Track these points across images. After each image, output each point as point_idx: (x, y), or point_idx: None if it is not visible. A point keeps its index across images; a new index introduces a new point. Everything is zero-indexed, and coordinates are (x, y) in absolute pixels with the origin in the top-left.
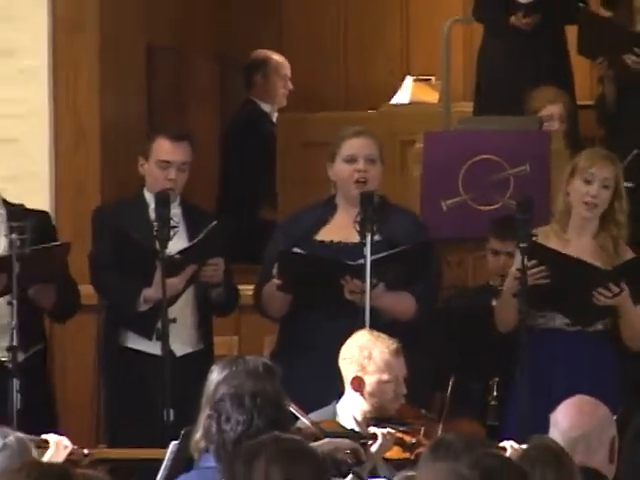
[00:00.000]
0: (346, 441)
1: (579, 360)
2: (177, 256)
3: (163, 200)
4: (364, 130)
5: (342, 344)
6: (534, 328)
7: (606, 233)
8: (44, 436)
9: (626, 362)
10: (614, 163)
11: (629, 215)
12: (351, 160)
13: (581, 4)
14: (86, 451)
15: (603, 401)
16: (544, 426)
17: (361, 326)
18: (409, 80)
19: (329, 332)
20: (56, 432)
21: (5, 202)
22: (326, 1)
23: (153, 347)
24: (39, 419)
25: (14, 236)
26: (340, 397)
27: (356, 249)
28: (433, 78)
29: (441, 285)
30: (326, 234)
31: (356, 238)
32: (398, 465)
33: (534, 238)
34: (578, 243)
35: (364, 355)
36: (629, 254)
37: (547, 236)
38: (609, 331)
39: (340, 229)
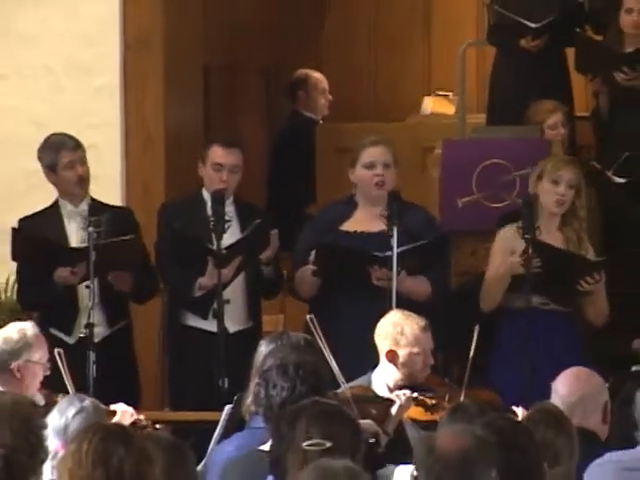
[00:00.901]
0: (369, 422)
1: (557, 335)
2: (224, 251)
3: (218, 198)
4: (381, 139)
5: (368, 324)
6: (512, 308)
7: (569, 227)
8: (113, 407)
9: (595, 337)
10: (577, 167)
11: (623, 213)
12: (370, 166)
13: (578, 29)
14: (148, 421)
15: None
16: (531, 396)
17: (389, 308)
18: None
19: (357, 313)
20: (138, 400)
21: (92, 199)
22: (358, 27)
23: (209, 325)
24: (123, 388)
25: (91, 229)
26: (374, 367)
27: (375, 237)
28: (451, 94)
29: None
30: (349, 226)
31: (374, 228)
32: (425, 427)
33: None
34: (548, 236)
35: (397, 331)
36: (590, 250)
37: None
38: (574, 312)
39: (361, 222)
